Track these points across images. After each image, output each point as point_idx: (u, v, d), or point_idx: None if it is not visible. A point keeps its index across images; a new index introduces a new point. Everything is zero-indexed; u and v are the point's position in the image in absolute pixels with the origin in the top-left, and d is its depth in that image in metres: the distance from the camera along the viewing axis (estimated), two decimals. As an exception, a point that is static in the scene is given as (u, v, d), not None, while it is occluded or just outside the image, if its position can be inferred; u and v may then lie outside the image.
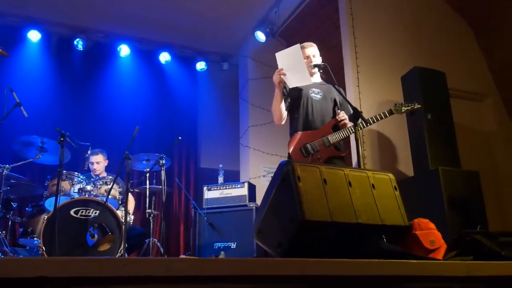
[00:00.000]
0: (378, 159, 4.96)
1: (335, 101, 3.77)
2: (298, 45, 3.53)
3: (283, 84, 3.63)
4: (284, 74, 3.54)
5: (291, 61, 3.52)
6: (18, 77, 6.56)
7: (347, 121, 3.59)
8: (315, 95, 3.73)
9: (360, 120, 3.24)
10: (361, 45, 5.23)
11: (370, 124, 3.52)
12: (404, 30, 5.57)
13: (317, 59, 3.79)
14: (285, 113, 3.74)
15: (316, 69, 3.70)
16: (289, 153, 3.63)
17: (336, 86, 3.72)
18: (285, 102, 3.73)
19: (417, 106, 3.71)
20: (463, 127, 5.23)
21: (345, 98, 3.59)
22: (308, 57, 3.78)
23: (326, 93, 3.76)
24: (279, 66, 3.56)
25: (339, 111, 3.68)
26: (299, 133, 3.63)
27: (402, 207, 2.35)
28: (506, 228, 5.03)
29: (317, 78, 3.85)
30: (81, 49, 7.07)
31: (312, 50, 3.82)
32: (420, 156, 4.57)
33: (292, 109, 3.77)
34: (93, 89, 7.19)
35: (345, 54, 5.30)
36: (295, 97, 3.75)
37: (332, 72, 3.49)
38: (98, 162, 5.35)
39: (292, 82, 3.62)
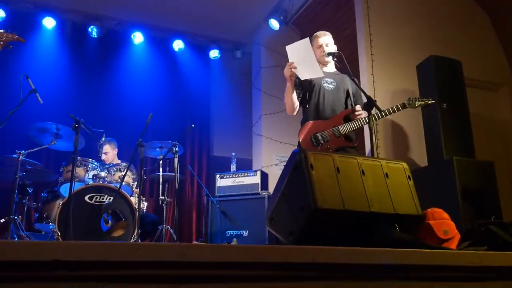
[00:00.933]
0: (392, 148, 4.93)
1: (347, 92, 3.73)
2: (307, 39, 3.49)
3: (294, 77, 3.61)
4: (295, 67, 3.52)
5: (301, 54, 3.49)
6: (34, 64, 6.62)
7: (363, 116, 3.55)
8: (328, 85, 3.70)
9: (375, 111, 3.23)
10: (376, 33, 5.18)
11: (383, 116, 3.49)
12: (419, 19, 5.49)
13: (331, 48, 3.74)
14: (297, 104, 3.72)
15: (331, 57, 3.66)
16: (299, 142, 3.63)
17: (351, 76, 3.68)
18: (298, 92, 3.72)
19: (431, 101, 3.60)
20: (478, 117, 5.16)
21: (359, 87, 3.53)
22: (321, 46, 3.75)
23: (339, 83, 3.73)
24: (290, 59, 3.53)
25: (356, 107, 3.62)
26: (310, 122, 3.62)
27: (416, 197, 2.33)
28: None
29: (331, 67, 3.82)
30: (95, 36, 7.10)
31: (325, 39, 3.78)
32: (434, 145, 4.53)
33: (305, 99, 3.75)
34: (107, 76, 7.23)
35: (360, 43, 5.25)
36: (308, 87, 3.73)
37: (346, 61, 3.46)
38: (106, 152, 5.34)
39: (303, 75, 3.60)
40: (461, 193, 4.06)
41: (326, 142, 3.52)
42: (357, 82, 3.69)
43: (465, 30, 5.72)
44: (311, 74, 3.59)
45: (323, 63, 3.83)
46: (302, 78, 3.65)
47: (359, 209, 2.09)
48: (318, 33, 3.83)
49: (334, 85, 3.71)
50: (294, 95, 3.68)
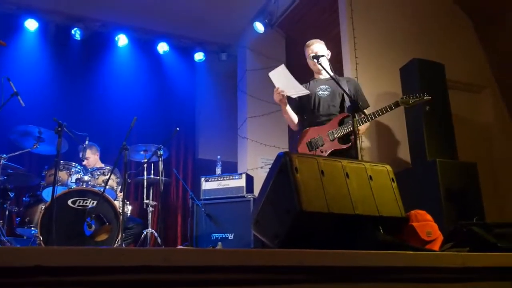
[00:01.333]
0: (376, 151, 4.97)
1: (343, 96, 3.77)
2: (282, 65, 3.58)
3: (285, 99, 3.71)
4: (282, 91, 3.62)
5: (282, 78, 3.61)
6: (16, 66, 6.52)
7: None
8: (323, 92, 3.78)
9: (362, 115, 3.29)
10: (360, 36, 5.22)
11: (375, 117, 3.51)
12: (403, 22, 5.55)
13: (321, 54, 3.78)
14: (297, 119, 3.86)
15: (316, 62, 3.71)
16: (297, 151, 3.68)
17: (335, 77, 3.68)
18: (294, 106, 3.86)
19: (427, 97, 3.48)
20: (461, 119, 5.23)
21: (344, 91, 3.51)
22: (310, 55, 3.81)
23: (335, 88, 3.76)
24: (275, 85, 3.64)
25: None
26: (308, 129, 3.72)
27: (399, 199, 2.36)
28: (503, 219, 5.05)
29: (326, 74, 3.85)
30: (79, 38, 7.01)
31: (315, 48, 3.83)
32: (417, 147, 4.57)
33: (300, 110, 3.86)
34: (91, 79, 7.14)
35: (344, 46, 5.29)
36: (304, 98, 3.81)
37: (331, 63, 3.48)
38: (87, 157, 5.24)
39: (292, 94, 3.73)
40: (444, 195, 4.10)
41: (321, 146, 3.58)
42: (345, 86, 3.64)
43: (448, 34, 5.79)
44: (298, 93, 3.71)
45: (317, 72, 3.89)
46: (292, 97, 3.77)
47: (344, 211, 2.11)
48: (308, 42, 3.90)
49: (329, 91, 3.77)
50: (292, 113, 3.83)
